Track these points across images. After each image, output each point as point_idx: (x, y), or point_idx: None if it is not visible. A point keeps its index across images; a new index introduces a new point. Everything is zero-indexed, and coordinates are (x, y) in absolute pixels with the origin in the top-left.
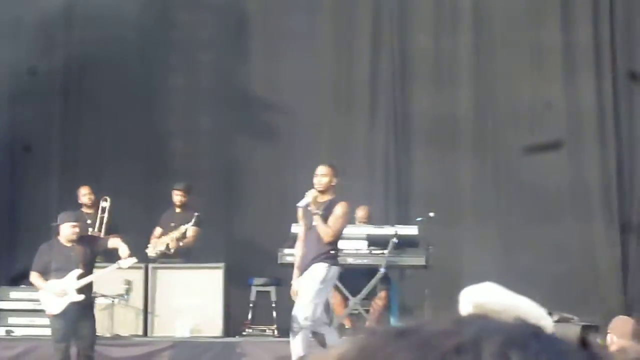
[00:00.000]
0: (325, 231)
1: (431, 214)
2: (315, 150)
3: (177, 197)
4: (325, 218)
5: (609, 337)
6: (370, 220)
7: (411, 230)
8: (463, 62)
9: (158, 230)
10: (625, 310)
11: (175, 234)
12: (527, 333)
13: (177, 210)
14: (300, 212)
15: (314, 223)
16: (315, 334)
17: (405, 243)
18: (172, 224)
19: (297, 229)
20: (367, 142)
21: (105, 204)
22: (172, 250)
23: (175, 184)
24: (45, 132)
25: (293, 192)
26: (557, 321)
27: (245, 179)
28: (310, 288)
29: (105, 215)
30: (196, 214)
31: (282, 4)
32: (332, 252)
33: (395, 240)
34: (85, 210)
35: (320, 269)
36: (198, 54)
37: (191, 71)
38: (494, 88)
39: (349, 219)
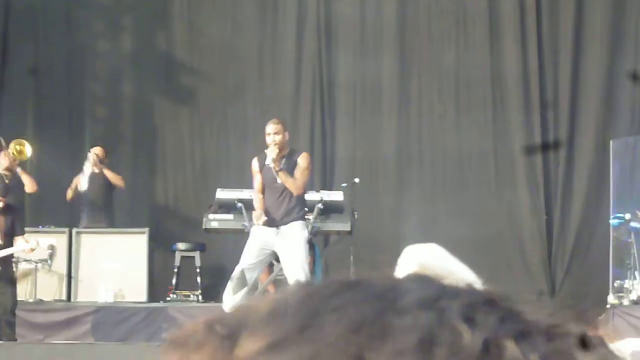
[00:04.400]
0: (295, 185)
1: (356, 180)
2: (238, 117)
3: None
4: (289, 172)
5: None
6: None
7: (336, 196)
8: (387, 28)
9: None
10: (549, 277)
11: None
12: (487, 297)
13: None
14: (255, 166)
15: (278, 181)
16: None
17: (330, 209)
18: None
19: (255, 182)
20: (292, 108)
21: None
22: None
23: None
24: None
25: (216, 158)
26: None
27: (168, 145)
28: (300, 250)
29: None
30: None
31: None
32: (306, 209)
33: (320, 205)
34: (4, 171)
35: (301, 229)
36: (121, 18)
37: (114, 36)
38: (419, 54)
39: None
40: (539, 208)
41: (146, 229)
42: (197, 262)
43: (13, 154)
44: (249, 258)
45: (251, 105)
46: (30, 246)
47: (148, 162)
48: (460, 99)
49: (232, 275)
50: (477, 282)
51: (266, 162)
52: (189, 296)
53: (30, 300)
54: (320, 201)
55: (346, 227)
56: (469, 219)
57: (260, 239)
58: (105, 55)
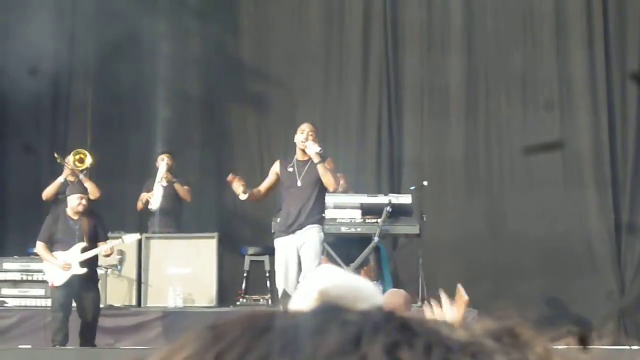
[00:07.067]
0: (335, 178)
1: (425, 183)
2: (306, 120)
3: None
4: (313, 175)
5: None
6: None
7: (405, 198)
8: (455, 29)
9: (145, 196)
10: (619, 277)
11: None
12: (404, 324)
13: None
14: (276, 167)
15: (299, 184)
16: None
17: (398, 212)
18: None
19: (267, 180)
20: (359, 111)
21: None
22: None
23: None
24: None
25: None
26: None
27: (236, 148)
28: (317, 253)
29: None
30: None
31: None
32: (324, 215)
33: (388, 208)
34: (69, 178)
35: (318, 232)
36: (187, 21)
37: (181, 39)
38: (486, 55)
39: None
40: (607, 208)
41: (215, 234)
42: (267, 266)
43: (74, 163)
44: (284, 274)
45: (319, 108)
46: (110, 245)
47: (216, 166)
48: (527, 100)
49: (279, 296)
50: (373, 291)
51: (313, 151)
52: (258, 300)
53: (101, 306)
54: (389, 204)
55: (415, 229)
56: (537, 220)
57: (284, 252)
58: (172, 58)
